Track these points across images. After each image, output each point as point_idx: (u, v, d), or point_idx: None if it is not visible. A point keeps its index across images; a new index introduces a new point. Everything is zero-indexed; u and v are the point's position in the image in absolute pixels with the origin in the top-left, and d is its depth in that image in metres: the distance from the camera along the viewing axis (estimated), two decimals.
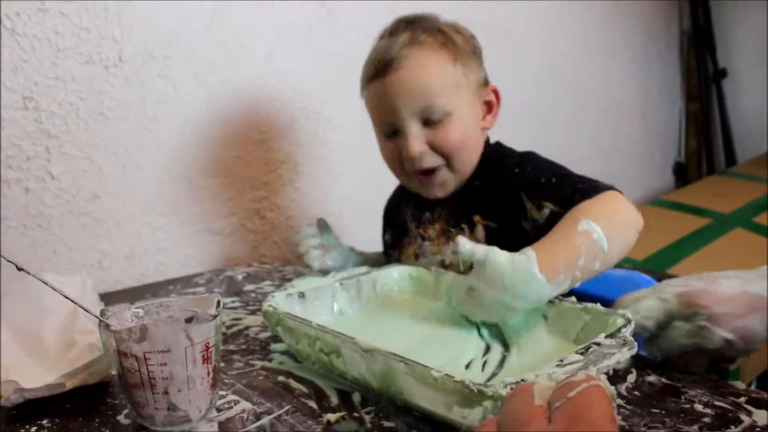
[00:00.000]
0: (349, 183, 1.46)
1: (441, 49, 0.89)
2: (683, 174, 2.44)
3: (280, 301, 0.75)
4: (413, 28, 0.91)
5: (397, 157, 0.92)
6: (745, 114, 2.40)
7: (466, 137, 0.91)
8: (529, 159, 0.92)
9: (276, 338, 0.80)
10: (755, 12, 2.33)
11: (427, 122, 0.89)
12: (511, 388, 0.40)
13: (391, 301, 0.85)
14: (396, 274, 0.87)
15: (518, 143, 0.98)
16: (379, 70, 0.90)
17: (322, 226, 1.05)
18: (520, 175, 0.88)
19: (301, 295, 0.79)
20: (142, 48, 1.15)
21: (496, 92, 0.96)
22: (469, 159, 0.92)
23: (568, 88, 2.01)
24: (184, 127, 1.21)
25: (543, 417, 0.35)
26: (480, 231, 0.91)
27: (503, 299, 0.67)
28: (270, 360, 0.74)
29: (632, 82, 2.25)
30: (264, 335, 0.83)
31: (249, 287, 1.07)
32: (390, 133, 0.93)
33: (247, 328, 0.86)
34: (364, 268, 0.88)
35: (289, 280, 1.10)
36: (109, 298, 0.95)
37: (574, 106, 2.04)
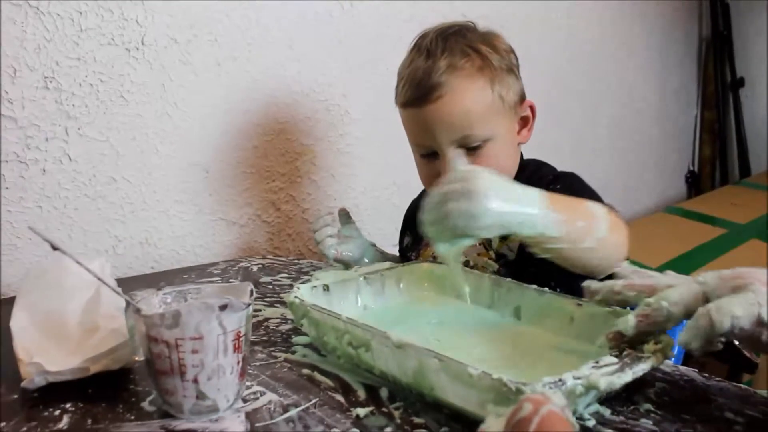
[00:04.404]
0: (367, 177, 1.45)
1: (478, 74, 0.88)
2: (696, 183, 2.43)
3: (305, 293, 0.74)
4: (451, 50, 0.88)
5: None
6: (761, 124, 2.39)
7: (503, 161, 0.90)
8: (565, 179, 0.91)
9: (297, 331, 0.78)
10: None
11: (466, 147, 0.88)
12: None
13: (414, 297, 0.84)
14: (420, 271, 0.86)
15: (534, 141, 0.97)
16: (417, 97, 0.88)
17: (343, 216, 1.04)
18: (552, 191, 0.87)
19: (326, 288, 0.77)
20: (164, 32, 1.14)
21: (532, 108, 0.95)
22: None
23: (584, 87, 2.00)
24: (203, 113, 1.20)
25: None
26: (514, 240, 0.90)
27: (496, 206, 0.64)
28: (293, 352, 0.73)
29: (649, 85, 2.24)
30: (284, 327, 0.82)
31: (265, 279, 1.06)
32: (427, 154, 0.92)
33: (266, 320, 0.85)
34: (388, 264, 0.87)
35: (306, 273, 1.08)
36: (123, 284, 0.93)
37: (590, 106, 2.03)
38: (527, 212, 0.66)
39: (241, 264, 1.15)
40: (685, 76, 2.38)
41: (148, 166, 1.15)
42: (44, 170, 1.05)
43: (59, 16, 1.03)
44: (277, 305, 0.90)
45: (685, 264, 1.58)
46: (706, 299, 0.56)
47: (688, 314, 0.56)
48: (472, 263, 0.93)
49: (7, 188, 1.01)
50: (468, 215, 0.63)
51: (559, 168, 0.99)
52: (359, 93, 1.41)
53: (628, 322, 0.57)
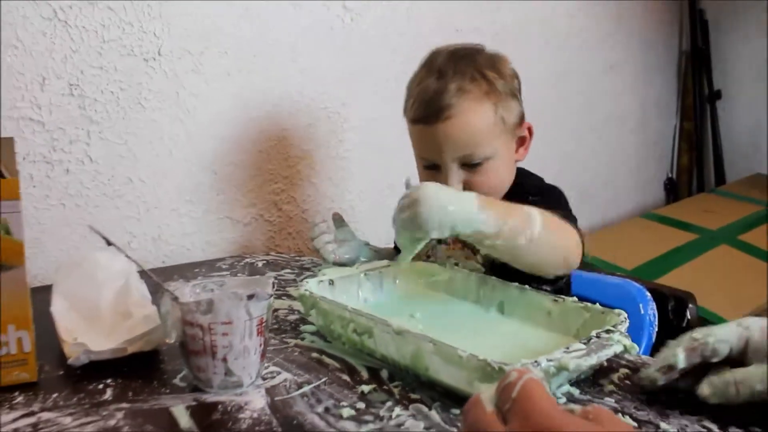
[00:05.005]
0: (363, 181, 1.54)
1: (485, 98, 0.96)
2: (674, 189, 2.54)
3: (313, 286, 0.83)
4: (461, 73, 0.96)
5: None
6: (736, 135, 2.50)
7: (500, 177, 0.99)
8: (546, 193, 1.01)
9: (304, 320, 0.87)
10: (752, 38, 2.44)
11: (466, 164, 0.97)
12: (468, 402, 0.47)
13: (408, 292, 0.93)
14: (414, 269, 0.96)
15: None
16: (428, 115, 0.96)
17: (337, 220, 1.13)
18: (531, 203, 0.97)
19: (331, 282, 0.87)
20: (179, 44, 1.22)
21: (530, 129, 1.04)
22: (499, 194, 1.01)
23: (572, 97, 2.09)
24: (213, 120, 1.29)
25: (497, 421, 0.42)
26: None
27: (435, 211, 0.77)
28: (302, 339, 0.82)
29: (631, 96, 2.35)
30: (292, 317, 0.91)
31: (270, 274, 1.14)
32: (430, 166, 1.01)
33: (276, 310, 0.93)
34: (386, 262, 0.96)
35: (307, 269, 1.17)
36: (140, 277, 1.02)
37: (576, 115, 2.13)
38: (463, 213, 0.78)
39: (247, 260, 1.23)
40: (665, 88, 2.50)
41: (162, 168, 1.24)
42: (68, 170, 1.13)
43: (84, 29, 1.11)
44: (284, 297, 0.99)
45: (658, 266, 1.68)
46: (747, 342, 0.61)
47: (731, 353, 0.61)
48: (461, 265, 1.02)
49: (34, 186, 1.10)
50: (417, 222, 0.77)
51: (547, 177, 1.08)
52: (357, 102, 1.50)
53: (678, 355, 0.62)
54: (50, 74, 1.09)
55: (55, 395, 0.67)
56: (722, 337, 0.61)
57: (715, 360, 0.62)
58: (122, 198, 1.20)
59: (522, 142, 1.04)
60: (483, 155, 0.96)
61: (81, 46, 1.11)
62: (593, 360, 0.63)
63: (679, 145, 2.54)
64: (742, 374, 0.59)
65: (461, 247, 1.03)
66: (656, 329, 1.11)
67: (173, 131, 1.24)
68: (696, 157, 2.53)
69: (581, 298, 0.81)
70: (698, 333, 0.62)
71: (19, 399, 0.66)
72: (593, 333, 0.68)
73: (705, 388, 0.60)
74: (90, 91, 1.13)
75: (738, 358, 0.62)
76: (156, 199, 1.24)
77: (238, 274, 1.14)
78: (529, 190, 1.02)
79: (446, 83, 0.95)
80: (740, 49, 2.49)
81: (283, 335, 0.84)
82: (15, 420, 0.62)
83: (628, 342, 0.68)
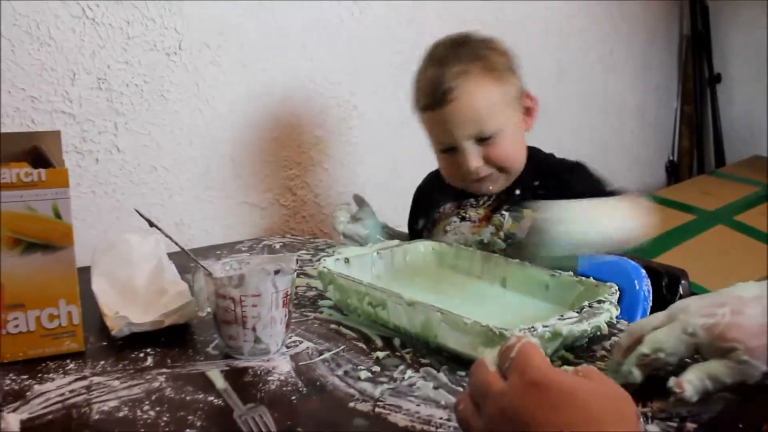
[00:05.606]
0: (371, 165, 1.61)
1: (485, 75, 1.03)
2: (675, 172, 2.59)
3: (330, 264, 0.91)
4: (459, 57, 1.04)
5: (455, 169, 1.08)
6: (735, 118, 2.55)
7: (514, 147, 1.07)
8: (579, 172, 1.09)
9: (321, 296, 0.95)
10: (751, 22, 2.48)
11: (480, 140, 1.04)
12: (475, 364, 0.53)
13: (417, 269, 1.01)
14: (423, 247, 1.03)
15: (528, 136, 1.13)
16: (435, 101, 1.04)
17: (357, 200, 1.21)
18: (570, 185, 1.05)
19: (346, 260, 0.94)
20: (198, 38, 1.29)
21: (532, 98, 1.11)
22: (518, 162, 1.09)
23: (574, 83, 2.15)
24: (230, 110, 1.36)
25: (498, 378, 0.49)
26: (527, 221, 1.05)
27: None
28: (320, 312, 0.90)
29: (633, 81, 2.40)
30: (310, 293, 0.98)
31: (288, 254, 1.22)
32: (447, 149, 1.08)
33: (296, 287, 1.01)
34: (396, 242, 1.03)
35: (322, 250, 1.25)
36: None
37: (578, 99, 2.18)
38: None
39: (265, 242, 1.31)
40: (665, 72, 2.54)
41: (183, 157, 1.31)
42: (97, 160, 1.21)
43: (110, 26, 1.18)
44: (302, 276, 1.07)
45: (655, 246, 1.75)
46: (697, 349, 0.63)
47: (680, 362, 0.64)
48: (486, 241, 1.09)
49: None
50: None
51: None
52: (366, 90, 1.57)
53: (634, 373, 0.64)
54: (80, 69, 1.16)
55: (102, 362, 0.75)
56: (671, 351, 0.63)
57: (667, 368, 0.64)
58: (147, 185, 1.27)
59: (528, 112, 1.11)
60: (493, 129, 1.03)
61: (108, 43, 1.18)
62: (584, 326, 0.71)
63: (679, 129, 2.59)
64: (710, 369, 0.61)
65: (486, 225, 1.10)
66: (650, 304, 1.18)
67: (193, 121, 1.31)
68: (696, 140, 2.58)
69: (580, 274, 0.88)
70: (646, 347, 0.64)
71: (71, 366, 0.74)
72: (585, 303, 0.75)
73: (689, 390, 0.61)
74: (116, 85, 1.21)
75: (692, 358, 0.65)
76: (178, 186, 1.31)
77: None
78: (554, 167, 1.11)
79: (446, 68, 1.03)
80: (740, 33, 2.53)
81: (303, 309, 0.91)
82: (70, 383, 0.70)
83: (615, 311, 0.75)
